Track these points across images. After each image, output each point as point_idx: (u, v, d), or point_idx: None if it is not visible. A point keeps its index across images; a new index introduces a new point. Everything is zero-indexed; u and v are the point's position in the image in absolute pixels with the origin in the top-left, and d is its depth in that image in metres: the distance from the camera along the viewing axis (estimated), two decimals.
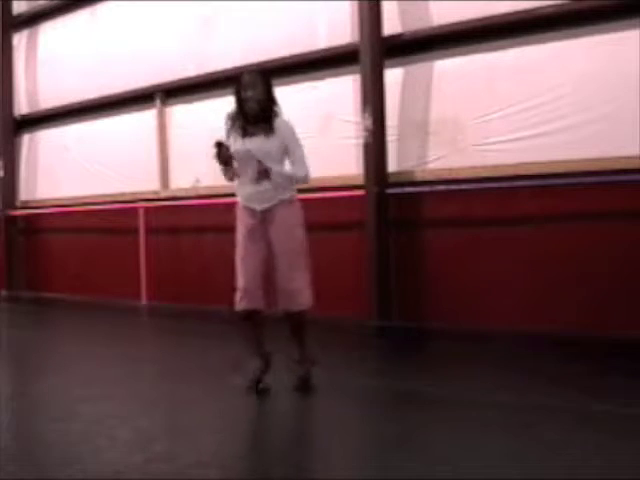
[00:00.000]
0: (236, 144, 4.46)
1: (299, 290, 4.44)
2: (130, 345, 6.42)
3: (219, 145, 4.34)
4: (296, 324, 4.54)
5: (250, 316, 4.47)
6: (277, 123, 4.48)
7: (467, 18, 6.53)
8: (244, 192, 4.53)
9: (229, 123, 4.55)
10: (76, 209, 9.90)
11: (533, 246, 6.20)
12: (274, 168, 4.40)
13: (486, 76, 6.55)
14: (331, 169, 7.35)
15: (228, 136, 4.51)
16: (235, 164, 4.48)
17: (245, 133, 4.47)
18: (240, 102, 4.49)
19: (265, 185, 4.40)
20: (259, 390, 4.44)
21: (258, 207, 4.47)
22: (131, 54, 9.30)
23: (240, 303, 4.43)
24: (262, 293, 4.45)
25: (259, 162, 4.37)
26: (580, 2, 6.01)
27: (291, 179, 4.49)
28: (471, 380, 4.65)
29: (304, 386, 4.52)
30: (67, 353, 6.16)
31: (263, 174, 4.37)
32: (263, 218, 4.47)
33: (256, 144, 4.42)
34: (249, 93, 4.43)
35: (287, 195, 4.49)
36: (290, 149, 4.49)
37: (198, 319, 7.84)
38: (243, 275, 4.44)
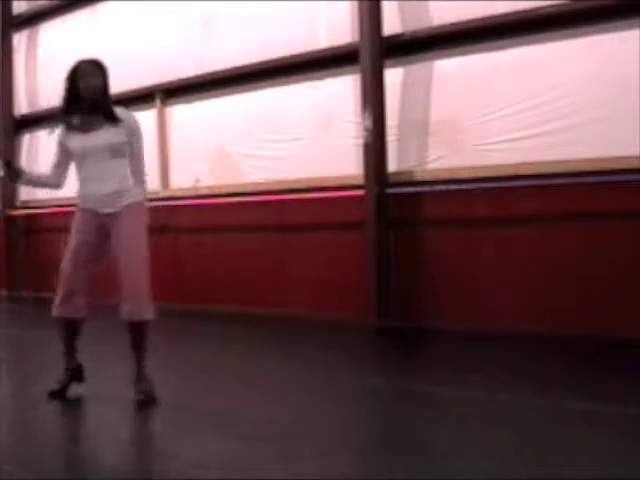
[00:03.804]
0: (74, 141, 4.19)
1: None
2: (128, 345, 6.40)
3: (7, 164, 4.28)
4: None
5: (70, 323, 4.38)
6: (120, 114, 4.14)
7: (467, 18, 6.52)
8: (86, 192, 4.23)
9: (60, 121, 4.29)
10: None
11: (533, 246, 6.20)
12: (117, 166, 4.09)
13: (486, 76, 6.54)
14: (331, 169, 7.35)
15: (61, 134, 4.30)
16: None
17: (85, 127, 4.15)
18: (76, 92, 4.17)
19: (110, 185, 4.11)
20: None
21: (103, 210, 4.20)
22: (131, 54, 9.28)
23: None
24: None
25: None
26: (580, 2, 6.01)
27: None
28: (471, 380, 4.65)
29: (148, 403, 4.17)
30: None
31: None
32: (106, 222, 4.22)
33: (101, 138, 4.10)
34: (91, 80, 4.14)
35: (136, 198, 4.20)
36: (133, 144, 4.16)
37: (198, 319, 7.83)
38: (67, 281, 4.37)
